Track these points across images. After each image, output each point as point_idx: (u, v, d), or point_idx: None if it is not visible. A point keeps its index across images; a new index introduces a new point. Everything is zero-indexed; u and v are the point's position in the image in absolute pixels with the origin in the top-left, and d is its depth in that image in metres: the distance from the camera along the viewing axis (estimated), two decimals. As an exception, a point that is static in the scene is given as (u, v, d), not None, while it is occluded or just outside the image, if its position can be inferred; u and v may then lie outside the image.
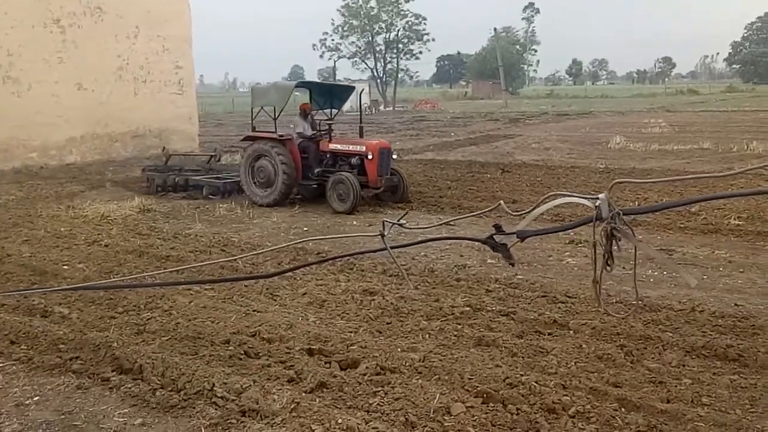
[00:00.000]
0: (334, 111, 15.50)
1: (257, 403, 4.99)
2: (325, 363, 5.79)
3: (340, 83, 20.44)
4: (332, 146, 13.96)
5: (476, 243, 2.78)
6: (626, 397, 4.94)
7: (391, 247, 2.16)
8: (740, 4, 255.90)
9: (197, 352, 6.07)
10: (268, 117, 14.32)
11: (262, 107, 14.54)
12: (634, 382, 5.24)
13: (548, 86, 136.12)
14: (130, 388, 5.47)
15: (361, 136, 14.92)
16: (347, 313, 7.06)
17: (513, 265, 2.24)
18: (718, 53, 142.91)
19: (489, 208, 2.47)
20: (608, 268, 2.07)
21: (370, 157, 13.32)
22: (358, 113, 16.07)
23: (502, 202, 2.21)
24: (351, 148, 13.74)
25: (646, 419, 4.63)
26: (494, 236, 2.26)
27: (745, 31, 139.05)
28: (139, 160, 22.25)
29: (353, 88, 16.39)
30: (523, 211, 2.13)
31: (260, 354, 5.99)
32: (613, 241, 2.01)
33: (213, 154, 18.19)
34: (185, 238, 11.02)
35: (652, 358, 5.75)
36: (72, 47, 22.58)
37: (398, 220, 2.27)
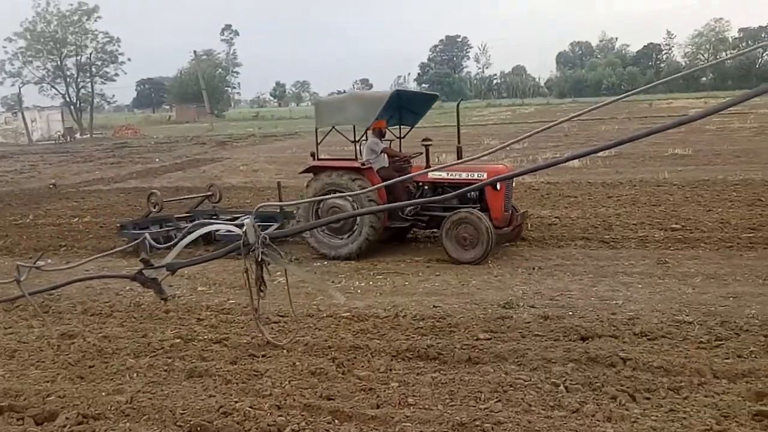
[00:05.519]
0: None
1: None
2: (18, 420, 5.19)
3: (424, 91, 14.19)
4: (434, 175, 10.50)
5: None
6: (339, 408, 5.04)
7: (32, 293, 1.95)
8: (425, 27, 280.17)
9: None
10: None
11: (333, 127, 10.94)
12: (346, 393, 5.37)
13: (254, 108, 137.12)
14: None
15: (459, 158, 11.08)
16: (43, 362, 6.41)
17: (166, 300, 2.14)
18: (409, 73, 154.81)
19: (133, 243, 2.35)
20: (261, 293, 2.05)
21: (498, 187, 10.07)
22: (456, 129, 11.94)
23: (147, 234, 2.12)
24: (466, 176, 10.20)
25: (358, 427, 4.76)
26: (143, 271, 2.15)
27: (430, 52, 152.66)
28: None
29: (435, 97, 12.68)
30: (169, 244, 2.05)
31: (-65, 422, 5.21)
32: (263, 266, 2.01)
33: (209, 194, 14.31)
34: None
35: (362, 366, 5.95)
36: None
37: (35, 263, 2.06)
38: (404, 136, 12.15)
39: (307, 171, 11.07)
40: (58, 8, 73.45)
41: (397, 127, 12.13)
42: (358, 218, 10.30)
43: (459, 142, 11.08)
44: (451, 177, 10.34)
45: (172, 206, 14.39)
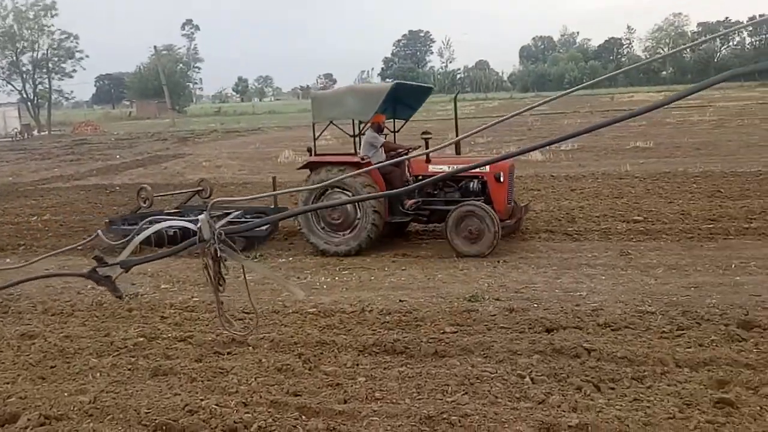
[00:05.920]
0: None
1: None
2: (-23, 423, 5.09)
3: (420, 84, 13.98)
4: (435, 167, 10.28)
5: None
6: (306, 404, 5.02)
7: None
8: (388, 22, 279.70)
9: None
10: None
11: (331, 121, 10.84)
12: (313, 388, 5.35)
13: (216, 104, 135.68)
14: None
15: (457, 152, 11.81)
16: (2, 363, 6.28)
17: (120, 297, 2.10)
18: (372, 68, 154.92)
19: (87, 239, 2.31)
20: (220, 288, 2.03)
21: (501, 179, 10.13)
22: (454, 122, 11.60)
23: (100, 231, 2.08)
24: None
25: (325, 423, 4.74)
26: (97, 269, 2.10)
27: (394, 47, 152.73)
28: None
29: (430, 89, 12.59)
30: (123, 240, 2.01)
31: None
32: (220, 262, 1.98)
33: (199, 188, 13.85)
34: None
35: (329, 362, 5.93)
36: None
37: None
38: (398, 130, 12.02)
39: (304, 167, 10.82)
40: (15, 4, 72.09)
41: (392, 121, 11.93)
42: (360, 214, 10.17)
43: (457, 135, 10.66)
44: (452, 170, 10.05)
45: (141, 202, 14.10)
